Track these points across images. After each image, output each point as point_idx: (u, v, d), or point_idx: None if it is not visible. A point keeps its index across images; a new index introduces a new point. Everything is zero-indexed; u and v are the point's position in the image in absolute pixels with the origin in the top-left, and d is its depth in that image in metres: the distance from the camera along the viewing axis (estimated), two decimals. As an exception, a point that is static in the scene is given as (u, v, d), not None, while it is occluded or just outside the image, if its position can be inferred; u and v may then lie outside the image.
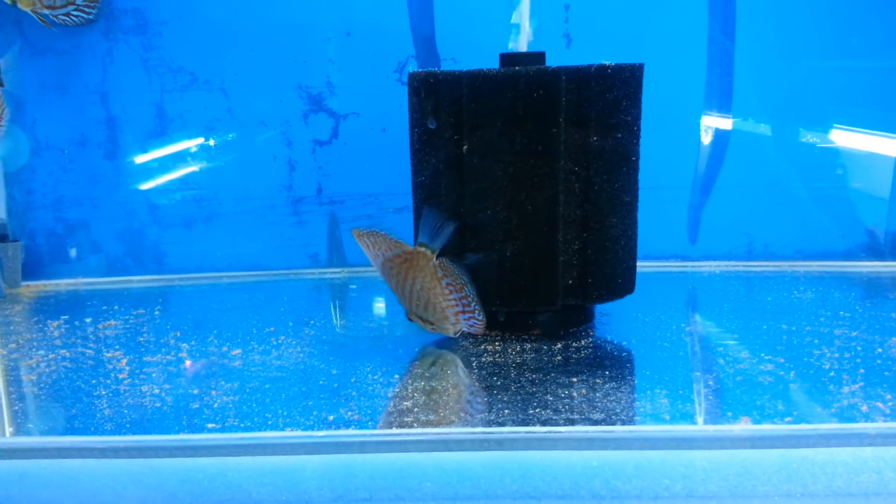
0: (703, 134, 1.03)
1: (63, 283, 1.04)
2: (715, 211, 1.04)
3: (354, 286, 1.01)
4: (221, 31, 1.02)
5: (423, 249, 0.69)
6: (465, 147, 0.73)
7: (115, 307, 0.92)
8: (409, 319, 0.75)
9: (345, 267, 1.09)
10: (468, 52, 1.04)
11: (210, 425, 0.58)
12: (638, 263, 0.77)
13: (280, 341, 0.77)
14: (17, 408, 0.62)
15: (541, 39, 0.99)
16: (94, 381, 0.67)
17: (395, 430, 0.56)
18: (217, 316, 0.89)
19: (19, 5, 0.93)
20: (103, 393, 0.65)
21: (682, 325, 0.78)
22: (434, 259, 0.69)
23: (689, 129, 1.03)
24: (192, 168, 1.05)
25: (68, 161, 1.04)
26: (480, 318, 0.71)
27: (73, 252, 1.05)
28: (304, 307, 0.94)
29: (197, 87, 1.04)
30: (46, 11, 0.96)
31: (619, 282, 0.75)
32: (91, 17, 0.98)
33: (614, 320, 0.80)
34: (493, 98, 0.70)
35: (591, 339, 0.74)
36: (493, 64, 1.06)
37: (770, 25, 1.01)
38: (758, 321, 0.78)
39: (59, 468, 0.55)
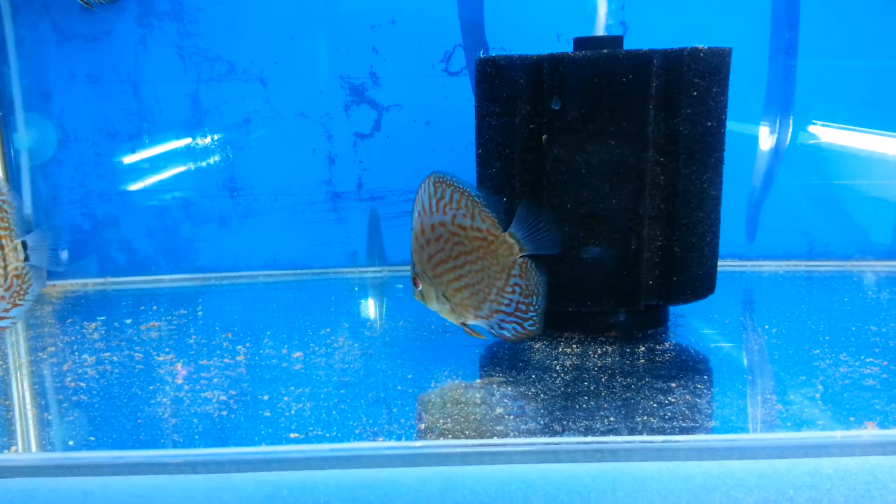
0: (762, 130, 0.99)
1: (91, 283, 0.99)
2: (774, 209, 1.00)
3: (401, 286, 0.96)
4: (261, 19, 0.98)
5: (510, 241, 0.63)
6: (543, 137, 0.68)
7: (154, 307, 0.87)
8: (413, 283, 0.67)
9: (385, 266, 1.04)
10: (518, 39, 1.00)
11: (292, 435, 0.53)
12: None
13: (340, 343, 0.73)
14: (72, 418, 0.57)
15: (599, 23, 0.96)
16: (151, 388, 0.62)
17: (498, 441, 0.51)
18: (265, 316, 0.84)
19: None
20: (164, 400, 0.60)
21: (766, 326, 0.74)
22: (518, 256, 0.64)
23: (748, 126, 0.99)
24: (228, 162, 1.00)
25: (97, 154, 0.99)
26: (529, 328, 0.64)
27: (100, 250, 1.00)
28: (355, 307, 0.89)
29: (234, 77, 0.99)
30: None
31: (703, 281, 0.71)
32: None
33: (691, 322, 0.76)
34: (576, 83, 0.66)
35: (673, 342, 0.70)
36: (547, 51, 1.03)
37: (835, 21, 0.97)
38: (844, 322, 0.74)
39: (128, 486, 0.50)
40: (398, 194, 1.03)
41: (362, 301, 0.92)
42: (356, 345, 0.72)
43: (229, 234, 1.02)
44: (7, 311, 0.69)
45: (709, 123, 0.68)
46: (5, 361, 0.70)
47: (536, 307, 0.64)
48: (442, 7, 0.99)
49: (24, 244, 0.72)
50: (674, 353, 0.67)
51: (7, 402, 0.61)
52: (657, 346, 0.69)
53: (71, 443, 0.53)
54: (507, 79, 0.69)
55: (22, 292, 0.71)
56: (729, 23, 0.97)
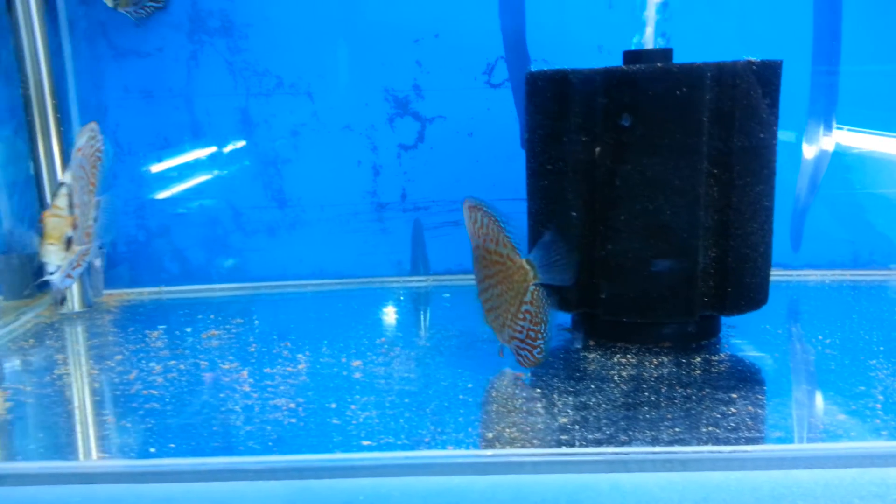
0: (806, 139, 1.00)
1: (146, 292, 1.02)
2: (818, 218, 1.01)
3: (448, 294, 0.98)
4: (308, 34, 1.00)
5: (527, 268, 0.63)
6: (597, 150, 0.70)
7: (211, 316, 0.89)
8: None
9: (430, 275, 1.06)
10: (560, 52, 1.01)
11: (364, 443, 0.55)
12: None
13: (396, 352, 0.74)
14: (150, 425, 0.60)
15: (642, 35, 0.97)
16: (221, 395, 0.64)
17: (567, 450, 0.53)
18: (319, 325, 0.86)
19: (119, 8, 0.91)
20: (236, 408, 0.62)
21: (819, 336, 0.75)
22: (531, 283, 0.63)
23: (792, 134, 1.00)
24: (276, 174, 1.03)
25: (150, 166, 1.02)
26: (537, 355, 0.64)
27: (154, 260, 1.03)
28: (404, 316, 0.91)
29: (283, 91, 1.01)
30: (131, 8, 0.94)
31: (756, 292, 0.72)
32: (161, 5, 0.96)
33: (742, 332, 0.77)
34: (630, 97, 0.67)
35: (727, 352, 0.71)
36: (589, 64, 1.04)
37: (878, 28, 0.98)
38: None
39: (209, 492, 0.52)
40: (441, 204, 1.05)
41: (411, 310, 0.94)
42: (412, 353, 0.74)
43: (278, 244, 1.04)
44: (74, 268, 0.72)
45: (761, 135, 0.69)
46: (77, 369, 0.73)
47: (543, 335, 0.64)
48: (484, 21, 1.00)
49: (98, 203, 0.74)
50: (729, 364, 0.68)
51: (83, 411, 0.64)
52: (712, 357, 0.70)
53: (152, 450, 0.55)
54: (560, 93, 0.71)
55: (85, 255, 0.74)
56: (771, 30, 0.98)
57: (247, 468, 0.52)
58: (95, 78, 0.99)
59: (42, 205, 0.92)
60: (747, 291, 0.71)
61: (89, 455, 0.56)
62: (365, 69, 1.01)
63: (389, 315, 0.90)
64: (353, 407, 0.61)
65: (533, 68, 1.04)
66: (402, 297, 0.99)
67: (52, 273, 0.70)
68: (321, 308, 0.94)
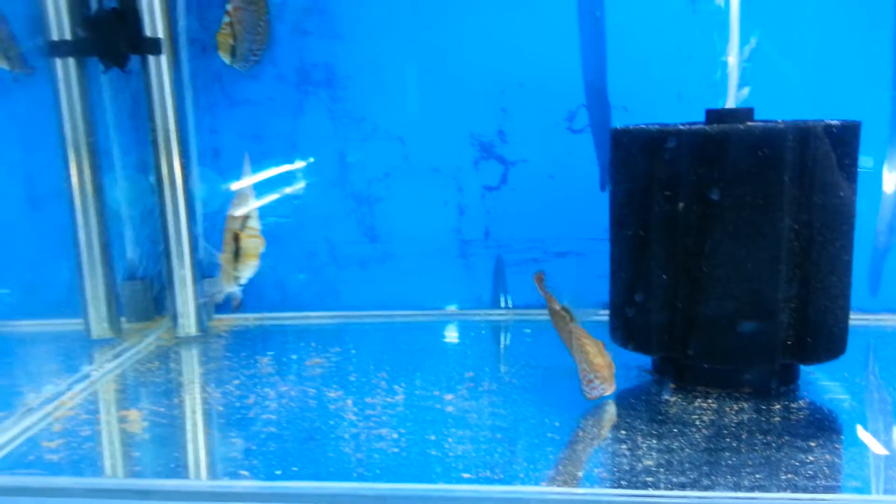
0: (886, 177, 1.01)
1: (251, 318, 1.11)
2: (898, 262, 1.01)
3: (528, 330, 1.03)
4: (402, 84, 1.08)
5: (563, 313, 0.77)
6: (680, 205, 0.74)
7: (312, 344, 0.97)
8: None
9: (510, 310, 1.11)
10: (640, 99, 1.06)
11: (464, 475, 0.61)
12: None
13: (485, 387, 0.80)
14: (272, 448, 0.67)
15: (722, 85, 1.00)
16: (330, 423, 0.72)
17: (654, 492, 0.57)
18: (410, 356, 0.92)
19: (236, 65, 1.01)
20: (345, 436, 0.69)
21: (898, 386, 0.77)
22: (570, 325, 0.76)
23: (870, 175, 1.01)
24: (369, 211, 1.11)
25: (260, 206, 1.11)
26: (599, 386, 0.72)
27: (258, 288, 1.13)
28: (488, 349, 0.97)
29: (377, 136, 1.09)
30: (241, 63, 1.04)
31: (836, 342, 0.75)
32: (258, 59, 1.06)
33: (821, 379, 0.79)
34: (714, 156, 0.72)
35: (806, 399, 0.74)
36: (668, 111, 1.07)
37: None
38: (980, 385, 0.76)
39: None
40: (522, 243, 1.10)
41: (493, 343, 1.00)
42: (498, 388, 0.80)
43: (369, 276, 1.12)
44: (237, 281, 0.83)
45: (840, 194, 0.72)
46: (201, 392, 0.82)
47: (593, 373, 0.73)
48: (567, 70, 1.06)
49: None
50: (808, 412, 0.71)
51: (211, 432, 0.72)
52: (791, 404, 0.73)
53: (278, 472, 0.63)
54: (643, 150, 0.76)
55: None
56: (852, 63, 0.99)
57: (363, 494, 0.59)
58: (212, 123, 1.10)
59: (165, 235, 1.02)
60: (826, 342, 0.73)
61: (220, 475, 0.64)
62: (453, 116, 1.08)
63: (474, 348, 0.96)
64: (449, 440, 0.67)
65: (613, 115, 1.10)
66: (483, 331, 1.05)
67: (242, 287, 0.82)
68: (410, 339, 1.01)
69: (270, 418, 0.73)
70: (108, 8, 0.96)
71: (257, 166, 1.10)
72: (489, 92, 1.08)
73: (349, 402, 0.77)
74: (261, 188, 1.11)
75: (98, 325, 0.98)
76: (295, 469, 0.63)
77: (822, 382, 0.78)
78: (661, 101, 1.05)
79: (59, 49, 0.94)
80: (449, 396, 0.78)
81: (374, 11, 1.07)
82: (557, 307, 0.79)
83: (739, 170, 0.71)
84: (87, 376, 0.86)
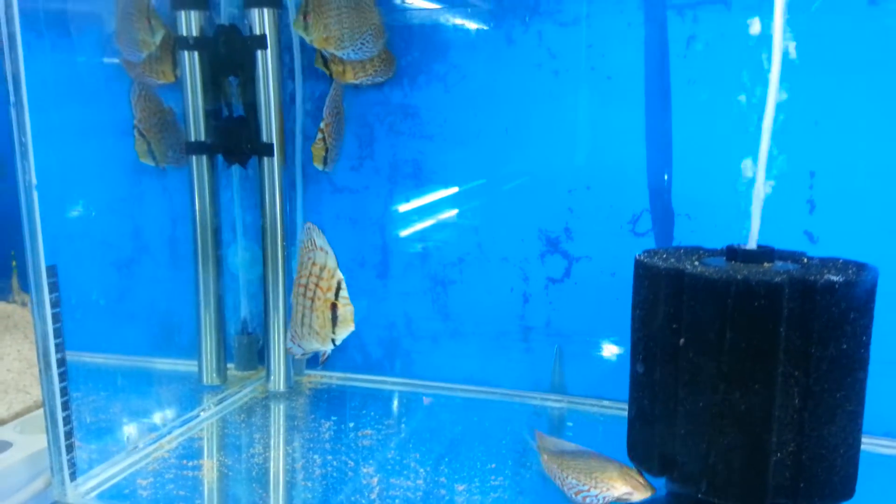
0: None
1: (335, 377, 1.28)
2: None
3: (571, 423, 1.09)
4: (478, 181, 1.19)
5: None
6: (681, 340, 0.78)
7: (372, 413, 1.11)
8: None
9: (565, 396, 1.17)
10: (704, 209, 1.07)
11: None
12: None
13: (498, 482, 0.88)
14: (298, 514, 0.82)
15: (781, 203, 0.99)
16: (352, 498, 0.85)
17: None
18: (451, 438, 1.02)
19: (327, 170, 1.19)
20: (358, 513, 0.81)
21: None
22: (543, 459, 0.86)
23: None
24: (443, 292, 1.23)
25: (350, 279, 1.28)
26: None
27: (345, 350, 1.29)
28: (524, 440, 1.04)
29: (455, 226, 1.21)
30: (330, 165, 1.21)
31: (835, 488, 0.74)
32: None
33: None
34: (712, 298, 0.75)
35: (800, 550, 0.74)
36: (730, 222, 1.08)
37: None
38: None
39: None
40: (582, 335, 1.16)
41: (541, 428, 1.07)
42: (510, 483, 0.87)
43: (439, 350, 1.24)
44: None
45: (843, 346, 0.71)
46: (267, 451, 0.98)
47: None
48: (633, 176, 1.11)
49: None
50: (793, 565, 0.71)
51: (256, 491, 0.88)
52: (779, 553, 0.73)
53: (292, 539, 0.77)
54: (653, 282, 0.80)
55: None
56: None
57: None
58: (317, 207, 1.29)
59: (265, 302, 1.21)
60: (823, 488, 0.73)
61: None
62: (524, 212, 1.17)
63: (511, 437, 1.04)
64: (441, 534, 0.77)
65: (676, 222, 1.12)
66: (540, 417, 1.12)
67: (335, 346, 0.98)
68: (464, 417, 1.11)
69: (307, 485, 0.88)
70: (235, 116, 1.19)
71: (351, 244, 1.27)
72: (558, 192, 1.15)
73: (374, 480, 0.89)
74: (353, 264, 1.28)
75: (208, 374, 1.20)
76: (308, 539, 0.77)
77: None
78: (724, 211, 1.06)
79: (194, 148, 1.17)
80: (461, 487, 0.87)
81: (458, 117, 1.19)
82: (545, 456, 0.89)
83: (735, 315, 0.73)
84: (187, 420, 1.07)
